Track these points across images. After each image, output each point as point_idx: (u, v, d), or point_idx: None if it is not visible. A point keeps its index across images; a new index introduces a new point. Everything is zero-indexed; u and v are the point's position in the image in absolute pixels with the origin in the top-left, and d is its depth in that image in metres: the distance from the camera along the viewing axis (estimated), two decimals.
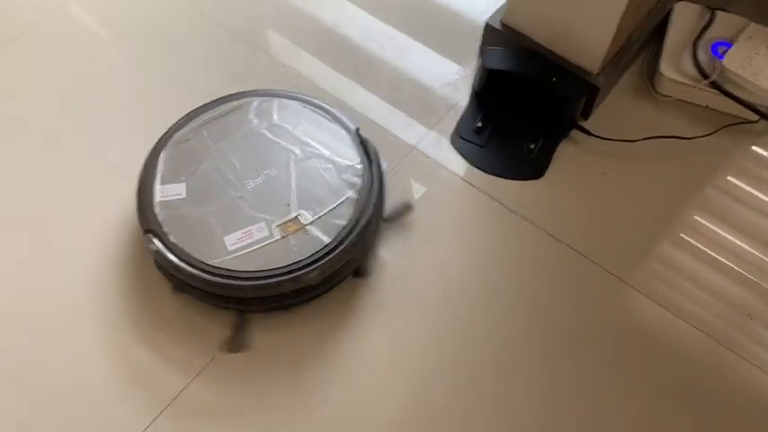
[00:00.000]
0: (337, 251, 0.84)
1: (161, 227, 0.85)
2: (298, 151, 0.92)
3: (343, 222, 0.86)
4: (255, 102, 0.96)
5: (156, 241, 0.84)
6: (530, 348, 0.89)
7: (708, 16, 1.14)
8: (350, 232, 0.86)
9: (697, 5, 1.16)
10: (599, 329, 0.91)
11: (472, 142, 1.05)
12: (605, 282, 0.94)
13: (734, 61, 1.07)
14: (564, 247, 0.97)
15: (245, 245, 0.84)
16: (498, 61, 1.03)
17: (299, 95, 0.98)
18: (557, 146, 1.04)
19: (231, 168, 0.90)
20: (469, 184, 1.02)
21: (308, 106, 0.96)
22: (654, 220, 1.00)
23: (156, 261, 0.88)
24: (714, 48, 1.10)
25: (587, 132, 1.05)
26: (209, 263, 0.83)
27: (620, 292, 0.93)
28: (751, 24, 1.12)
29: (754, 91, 1.05)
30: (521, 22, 1.05)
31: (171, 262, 0.83)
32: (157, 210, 0.86)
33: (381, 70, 1.14)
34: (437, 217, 0.99)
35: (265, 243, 0.84)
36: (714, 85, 1.06)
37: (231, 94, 0.97)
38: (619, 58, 1.05)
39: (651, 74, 1.13)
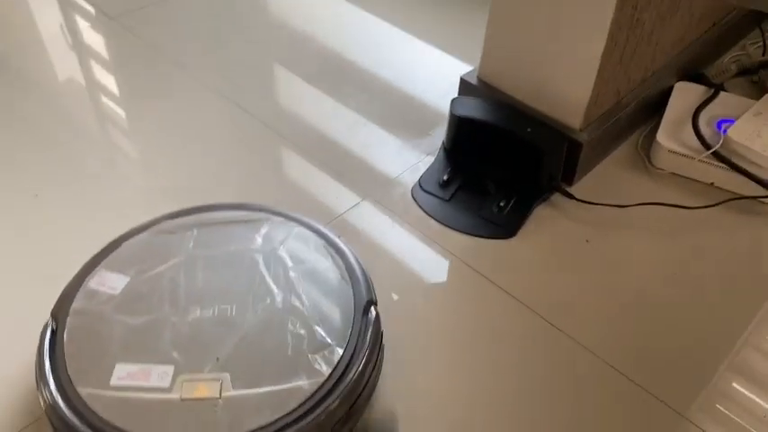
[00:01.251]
0: None
1: (67, 316, 0.66)
2: (278, 297, 0.68)
3: (265, 420, 0.58)
4: (274, 221, 0.75)
5: (48, 332, 0.65)
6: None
7: (711, 93, 1.04)
8: None
9: (699, 85, 1.06)
10: (574, 404, 0.70)
11: (435, 195, 0.92)
12: (580, 355, 0.75)
13: (741, 133, 0.94)
14: (533, 314, 0.79)
15: (131, 386, 0.60)
16: (468, 109, 0.94)
17: (328, 233, 0.75)
18: (532, 206, 0.90)
19: (189, 285, 0.69)
20: (426, 236, 0.88)
21: (331, 250, 0.73)
22: (638, 295, 0.82)
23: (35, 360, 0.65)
24: (719, 124, 0.99)
25: (570, 196, 0.92)
26: (76, 387, 0.60)
27: (597, 368, 0.74)
28: (757, 103, 1.01)
29: (764, 165, 0.91)
30: (497, 77, 0.96)
31: (41, 365, 0.62)
32: (79, 295, 0.68)
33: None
34: (391, 266, 0.84)
35: (154, 396, 0.60)
36: (718, 156, 0.93)
37: (253, 204, 0.78)
38: (606, 118, 0.94)
39: (648, 147, 1.01)
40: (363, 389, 0.63)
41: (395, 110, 1.09)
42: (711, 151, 0.93)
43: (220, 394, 0.60)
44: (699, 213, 0.90)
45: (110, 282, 0.69)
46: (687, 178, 0.97)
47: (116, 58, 1.20)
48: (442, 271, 0.85)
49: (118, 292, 0.68)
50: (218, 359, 0.62)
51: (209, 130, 1.05)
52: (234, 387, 0.60)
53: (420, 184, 0.94)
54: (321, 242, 0.73)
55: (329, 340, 0.64)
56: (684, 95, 1.04)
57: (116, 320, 0.65)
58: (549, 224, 0.90)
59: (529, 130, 0.90)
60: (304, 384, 0.60)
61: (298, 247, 0.73)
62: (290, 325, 0.65)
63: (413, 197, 0.93)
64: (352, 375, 0.61)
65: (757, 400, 0.73)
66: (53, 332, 0.64)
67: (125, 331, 0.65)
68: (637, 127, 1.04)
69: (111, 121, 1.08)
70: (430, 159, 0.99)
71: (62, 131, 1.03)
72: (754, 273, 0.85)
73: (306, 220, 0.76)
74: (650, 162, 0.99)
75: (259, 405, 0.59)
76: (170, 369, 0.61)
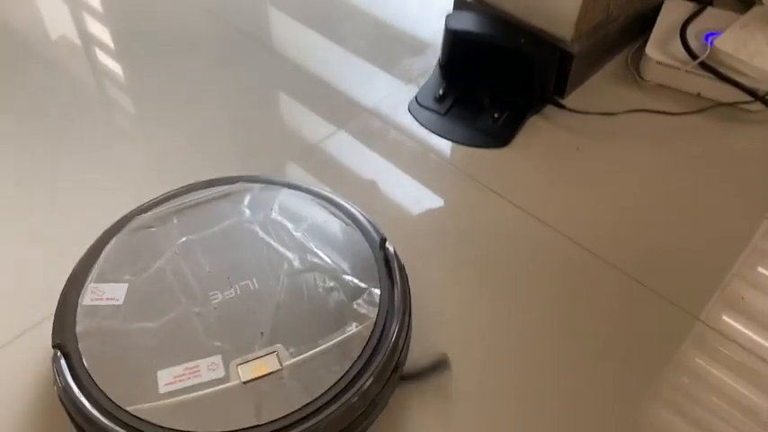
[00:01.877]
0: (319, 420, 0.55)
1: (76, 342, 0.59)
2: (295, 260, 0.65)
3: (336, 374, 0.57)
4: (254, 189, 0.72)
5: (62, 363, 0.58)
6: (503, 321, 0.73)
7: (699, 7, 1.06)
8: (343, 391, 0.56)
9: (688, 1, 1.08)
10: (563, 297, 0.75)
11: (431, 109, 0.95)
12: (573, 253, 0.79)
13: (727, 44, 0.97)
14: (528, 216, 0.83)
15: (184, 387, 0.56)
16: (463, 24, 0.96)
17: (314, 189, 0.73)
18: (525, 117, 0.94)
19: (196, 272, 0.64)
20: (424, 148, 0.91)
21: (323, 202, 0.71)
22: (630, 197, 0.86)
23: (60, 398, 0.58)
24: (707, 37, 1.01)
25: (561, 107, 0.95)
26: (128, 409, 0.55)
27: (589, 264, 0.78)
28: (744, 15, 1.03)
29: (750, 73, 0.94)
30: None
31: (74, 401, 0.55)
32: (79, 317, 0.61)
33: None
34: (393, 177, 0.88)
35: (214, 389, 0.56)
36: (705, 66, 0.96)
37: (225, 177, 0.74)
38: (597, 30, 0.96)
39: (637, 61, 1.04)
40: (409, 318, 0.63)
41: (389, 32, 1.11)
42: (698, 61, 0.96)
43: (281, 364, 0.57)
44: (684, 120, 0.94)
45: (107, 293, 0.63)
46: (675, 89, 1.00)
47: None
48: (441, 179, 0.89)
49: (121, 301, 0.62)
50: (262, 334, 0.60)
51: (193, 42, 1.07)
52: (291, 355, 0.58)
53: (417, 99, 0.97)
54: (309, 197, 0.72)
55: (363, 284, 0.63)
56: (674, 11, 1.07)
57: (134, 329, 0.60)
58: (541, 134, 0.93)
59: (522, 41, 0.92)
60: (359, 330, 0.60)
61: (290, 208, 0.71)
62: (318, 281, 0.64)
63: (410, 112, 0.96)
64: (397, 309, 0.61)
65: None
66: (68, 362, 0.58)
67: (150, 337, 0.60)
68: (627, 42, 1.07)
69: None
70: (425, 77, 1.01)
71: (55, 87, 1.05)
72: (739, 176, 0.89)
73: (286, 181, 0.74)
74: (639, 75, 1.02)
75: (324, 362, 0.58)
76: (217, 359, 0.58)
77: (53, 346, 0.59)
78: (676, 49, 0.99)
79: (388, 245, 0.67)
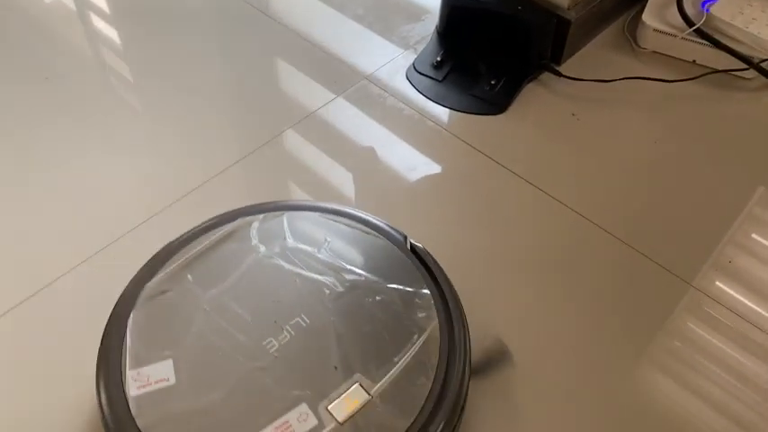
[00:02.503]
0: None
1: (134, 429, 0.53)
2: (333, 283, 0.62)
3: (425, 387, 0.55)
4: (257, 221, 0.67)
5: None
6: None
7: None
8: (438, 404, 0.55)
9: None
10: (559, 262, 0.77)
11: (428, 76, 0.96)
12: (567, 217, 0.81)
13: (723, 11, 0.97)
14: (524, 182, 0.84)
15: None
16: None
17: (318, 204, 0.69)
18: (521, 84, 0.95)
19: (239, 325, 0.59)
20: (422, 115, 0.92)
21: (332, 217, 0.67)
22: (626, 164, 0.87)
23: None
24: (703, 4, 1.02)
25: (557, 74, 0.96)
26: None
27: (587, 229, 0.80)
28: None
29: (745, 40, 0.95)
30: None
31: None
32: (135, 411, 0.54)
33: None
34: (390, 143, 0.89)
35: None
36: (701, 33, 0.97)
37: (218, 216, 0.68)
38: None
39: (634, 28, 1.04)
40: (459, 307, 0.62)
41: None
42: (694, 28, 0.96)
43: (370, 393, 0.55)
44: (679, 87, 0.95)
45: (153, 376, 0.56)
46: (671, 57, 1.01)
47: None
48: (438, 146, 0.90)
49: (173, 380, 0.56)
50: (336, 368, 0.57)
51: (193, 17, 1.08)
52: (374, 380, 0.56)
53: (414, 65, 0.98)
54: (316, 215, 0.68)
55: (409, 288, 0.62)
56: None
57: (202, 406, 0.55)
58: (537, 100, 0.94)
59: (519, 8, 0.93)
60: (428, 335, 0.58)
61: (303, 231, 0.67)
62: (366, 298, 0.61)
63: (408, 78, 0.97)
64: (451, 305, 0.60)
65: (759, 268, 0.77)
66: None
67: (222, 409, 0.55)
68: (624, 10, 1.07)
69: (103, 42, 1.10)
70: (424, 44, 1.02)
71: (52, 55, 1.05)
72: (733, 142, 0.90)
73: (286, 203, 0.70)
74: (636, 43, 1.03)
75: (408, 378, 0.56)
76: (304, 407, 0.55)
77: None
78: (673, 17, 1.00)
79: (411, 241, 0.66)
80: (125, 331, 0.59)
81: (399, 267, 0.63)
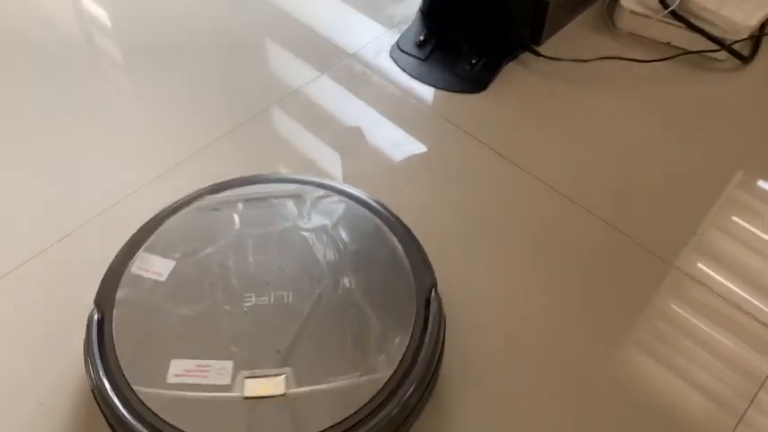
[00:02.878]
0: None
1: (113, 306, 0.61)
2: (336, 285, 0.63)
3: (331, 420, 0.55)
4: (322, 195, 0.70)
5: (95, 323, 0.60)
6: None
7: None
8: None
9: None
10: (539, 240, 0.80)
11: (412, 55, 0.98)
12: (540, 191, 0.84)
13: None
14: (504, 160, 0.87)
15: (189, 384, 0.56)
16: None
17: (379, 203, 0.70)
18: (502, 63, 0.97)
19: (241, 269, 0.64)
20: (405, 93, 0.95)
21: (384, 225, 0.68)
22: (603, 142, 0.90)
23: (83, 350, 0.60)
24: None
25: (536, 54, 0.98)
26: (133, 387, 0.56)
27: (564, 205, 0.83)
28: None
29: (717, 22, 0.98)
30: None
31: (93, 363, 0.58)
32: (123, 282, 0.63)
33: None
34: (374, 119, 0.91)
35: (215, 395, 0.56)
36: (675, 16, 1.00)
37: (300, 177, 0.73)
38: None
39: (612, 10, 1.07)
40: (433, 374, 0.61)
41: None
42: (669, 10, 0.99)
43: (286, 391, 0.56)
44: (653, 67, 0.98)
45: (154, 266, 0.64)
46: (647, 38, 1.03)
47: None
48: (420, 123, 0.92)
49: (164, 278, 0.63)
50: (278, 351, 0.58)
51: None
52: (298, 383, 0.57)
53: (398, 44, 1.00)
54: (371, 216, 0.69)
55: (392, 333, 0.60)
56: None
57: (166, 310, 0.61)
58: (517, 79, 0.97)
59: None
60: (370, 381, 0.57)
61: (350, 225, 0.68)
62: (350, 315, 0.61)
63: (391, 57, 0.99)
64: (419, 366, 0.58)
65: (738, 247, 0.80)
66: (99, 324, 0.60)
67: (177, 322, 0.60)
68: None
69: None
70: (407, 24, 1.04)
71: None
72: (706, 122, 0.93)
73: (356, 193, 0.71)
74: (614, 24, 1.05)
75: (325, 402, 0.56)
76: (229, 365, 0.57)
77: (94, 303, 0.62)
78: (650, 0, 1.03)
79: (435, 294, 0.63)
80: (162, 223, 0.67)
81: (402, 309, 0.62)
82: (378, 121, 0.92)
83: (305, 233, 0.67)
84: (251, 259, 0.65)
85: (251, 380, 0.57)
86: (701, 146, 0.90)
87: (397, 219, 0.69)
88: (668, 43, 1.03)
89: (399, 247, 0.66)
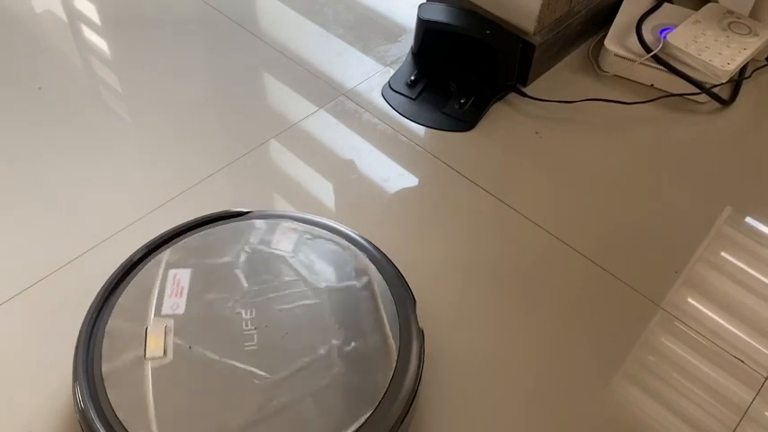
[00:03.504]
0: None
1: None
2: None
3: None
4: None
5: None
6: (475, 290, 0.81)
7: (656, 3, 1.14)
8: None
9: None
10: (525, 278, 0.83)
11: (402, 94, 1.02)
12: (527, 228, 0.87)
13: (679, 39, 1.04)
14: (491, 197, 0.90)
15: None
16: (434, 14, 1.02)
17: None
18: (489, 102, 1.01)
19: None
20: (395, 130, 0.98)
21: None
22: (587, 182, 0.93)
23: None
24: (662, 32, 1.09)
25: (523, 94, 1.02)
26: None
27: (549, 243, 0.86)
28: (697, 12, 1.11)
29: (698, 67, 1.02)
30: None
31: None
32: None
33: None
34: (367, 156, 0.95)
35: None
36: (658, 59, 1.04)
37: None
38: (559, 23, 1.03)
39: (597, 53, 1.11)
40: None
41: (367, 20, 1.17)
42: (651, 54, 1.03)
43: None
44: (637, 109, 1.01)
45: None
46: (631, 81, 1.07)
47: None
48: (410, 160, 0.96)
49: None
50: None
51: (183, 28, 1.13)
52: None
53: (390, 84, 1.04)
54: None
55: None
56: (633, 6, 1.14)
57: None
58: (504, 119, 1.01)
59: (487, 32, 0.99)
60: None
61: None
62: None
63: (383, 96, 1.03)
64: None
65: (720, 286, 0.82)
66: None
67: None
68: (588, 35, 1.14)
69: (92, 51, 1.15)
70: (399, 64, 1.08)
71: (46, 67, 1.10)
72: (687, 162, 0.97)
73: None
74: (598, 66, 1.09)
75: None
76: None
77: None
78: (633, 43, 1.07)
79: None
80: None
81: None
82: (370, 156, 0.95)
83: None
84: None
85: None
86: (685, 185, 0.94)
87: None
88: (651, 85, 1.07)
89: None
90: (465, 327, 0.77)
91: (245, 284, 0.69)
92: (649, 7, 1.12)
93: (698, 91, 1.02)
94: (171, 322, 0.65)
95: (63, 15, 1.17)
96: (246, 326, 0.65)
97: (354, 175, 0.93)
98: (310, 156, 0.95)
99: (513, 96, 1.03)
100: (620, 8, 1.14)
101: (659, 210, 0.90)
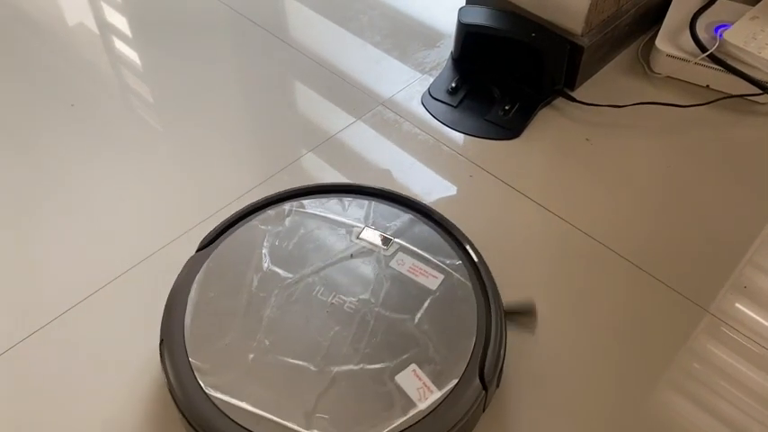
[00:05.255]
0: None
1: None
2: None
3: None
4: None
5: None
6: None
7: (708, 0, 1.07)
8: None
9: None
10: (575, 288, 0.78)
11: (443, 102, 0.98)
12: (585, 245, 0.82)
13: (736, 36, 0.98)
14: (540, 207, 0.86)
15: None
16: (474, 17, 0.98)
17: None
18: (536, 109, 0.96)
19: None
20: (437, 140, 0.94)
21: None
22: (640, 190, 0.88)
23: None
24: (716, 29, 1.03)
25: (571, 99, 0.97)
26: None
27: (600, 256, 0.81)
28: (754, 7, 1.04)
29: (758, 65, 0.96)
30: None
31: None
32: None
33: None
34: (408, 168, 0.91)
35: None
36: (714, 59, 0.98)
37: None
38: (607, 23, 0.98)
39: (647, 53, 1.05)
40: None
41: (403, 26, 1.14)
42: (707, 54, 0.97)
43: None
44: (692, 111, 0.96)
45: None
46: (684, 81, 1.01)
47: None
48: (453, 171, 0.91)
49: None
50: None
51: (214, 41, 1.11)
52: None
53: (429, 91, 1.00)
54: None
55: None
56: (684, 3, 1.08)
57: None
58: (551, 125, 0.96)
59: (533, 35, 0.94)
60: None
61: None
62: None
63: (423, 104, 0.99)
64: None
65: None
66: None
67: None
68: (637, 35, 1.09)
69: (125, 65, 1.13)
70: (439, 70, 1.04)
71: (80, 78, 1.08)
72: (748, 168, 0.91)
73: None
74: (649, 68, 1.04)
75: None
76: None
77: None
78: (686, 42, 1.01)
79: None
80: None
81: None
82: (411, 168, 0.91)
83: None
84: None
85: None
86: (740, 190, 0.88)
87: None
88: (707, 86, 1.01)
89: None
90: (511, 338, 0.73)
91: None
92: (702, 4, 1.06)
93: (759, 91, 0.96)
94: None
95: (95, 28, 1.15)
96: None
97: (396, 187, 0.88)
98: (350, 169, 0.91)
99: (560, 101, 0.98)
100: (671, 6, 1.08)
101: (714, 217, 0.85)
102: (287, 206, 0.74)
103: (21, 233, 0.83)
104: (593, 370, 0.71)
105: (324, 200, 0.75)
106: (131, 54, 1.11)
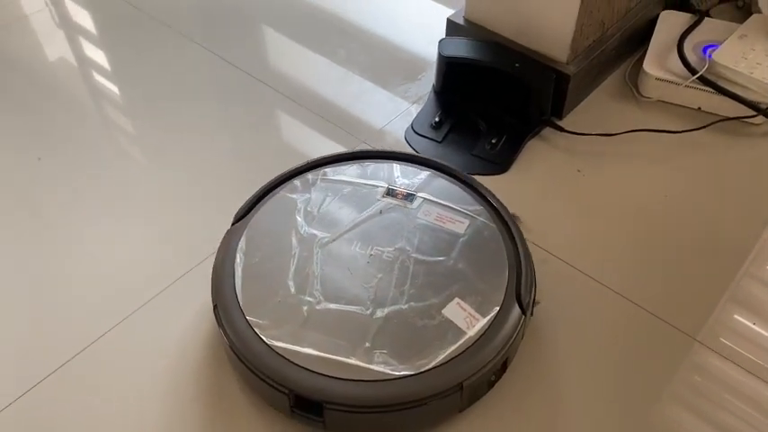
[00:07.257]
0: None
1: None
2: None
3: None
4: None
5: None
6: None
7: (696, 19, 1.05)
8: None
9: (684, 13, 1.07)
10: (568, 323, 0.73)
11: (427, 137, 0.94)
12: (573, 276, 0.78)
13: (726, 57, 0.95)
14: (530, 244, 0.81)
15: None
16: (456, 49, 0.95)
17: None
18: (523, 141, 0.92)
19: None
20: None
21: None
22: (632, 220, 0.84)
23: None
24: (704, 50, 1.00)
25: (560, 129, 0.93)
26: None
27: (594, 291, 0.77)
28: (742, 25, 1.02)
29: (750, 86, 0.93)
30: (483, 15, 0.97)
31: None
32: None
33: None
34: None
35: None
36: (704, 81, 0.94)
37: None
38: (593, 49, 0.95)
39: (635, 77, 1.02)
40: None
41: (383, 59, 1.10)
42: (697, 76, 0.94)
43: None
44: (686, 137, 0.92)
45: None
46: (675, 105, 0.98)
47: (101, 23, 1.20)
48: None
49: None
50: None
51: (198, 85, 1.07)
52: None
53: (413, 127, 0.96)
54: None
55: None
56: (670, 24, 1.05)
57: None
58: (541, 157, 0.92)
59: (517, 65, 0.91)
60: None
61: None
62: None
63: (406, 140, 0.95)
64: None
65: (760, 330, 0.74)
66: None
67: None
68: (624, 58, 1.06)
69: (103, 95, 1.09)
70: (421, 104, 1.00)
71: (59, 111, 1.04)
72: (745, 191, 0.87)
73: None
74: (638, 91, 1.00)
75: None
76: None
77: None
78: (674, 64, 0.98)
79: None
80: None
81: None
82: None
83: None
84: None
85: None
86: (738, 215, 0.85)
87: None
88: (698, 109, 0.97)
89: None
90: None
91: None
92: (689, 24, 1.04)
93: (752, 113, 0.93)
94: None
95: (74, 62, 1.11)
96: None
97: None
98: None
99: (548, 131, 0.94)
100: (656, 27, 1.05)
101: (712, 245, 0.81)
102: (310, 176, 0.78)
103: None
104: (594, 370, 0.66)
105: (345, 167, 0.80)
106: (111, 89, 1.07)
